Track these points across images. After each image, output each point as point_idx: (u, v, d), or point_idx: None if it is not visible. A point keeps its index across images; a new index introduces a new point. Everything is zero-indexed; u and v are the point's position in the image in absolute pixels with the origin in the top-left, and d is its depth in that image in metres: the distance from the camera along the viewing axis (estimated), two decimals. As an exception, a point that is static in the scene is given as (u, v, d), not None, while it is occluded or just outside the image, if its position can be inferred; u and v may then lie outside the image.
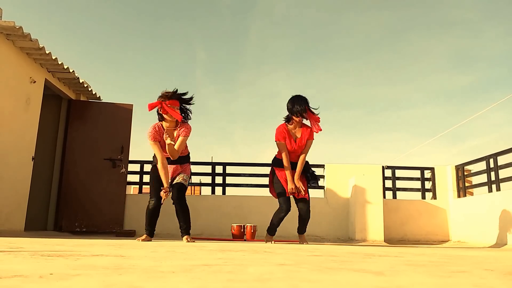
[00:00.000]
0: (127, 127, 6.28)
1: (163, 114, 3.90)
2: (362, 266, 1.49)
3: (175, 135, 3.95)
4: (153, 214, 3.99)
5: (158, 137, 3.93)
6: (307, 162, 4.30)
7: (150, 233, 4.03)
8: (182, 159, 4.11)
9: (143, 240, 3.89)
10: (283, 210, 4.17)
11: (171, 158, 3.96)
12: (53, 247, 2.23)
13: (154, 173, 4.04)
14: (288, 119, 4.21)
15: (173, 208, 6.28)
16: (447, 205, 6.52)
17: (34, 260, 1.44)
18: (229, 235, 5.70)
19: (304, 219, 4.26)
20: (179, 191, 3.97)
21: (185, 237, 3.97)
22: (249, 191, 6.76)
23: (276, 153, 4.32)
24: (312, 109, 4.13)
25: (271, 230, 4.32)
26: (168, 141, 3.76)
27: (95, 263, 1.38)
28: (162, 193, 3.83)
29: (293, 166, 4.18)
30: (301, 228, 4.36)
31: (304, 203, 4.19)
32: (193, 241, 3.91)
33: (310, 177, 4.27)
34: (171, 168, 4.03)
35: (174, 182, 4.03)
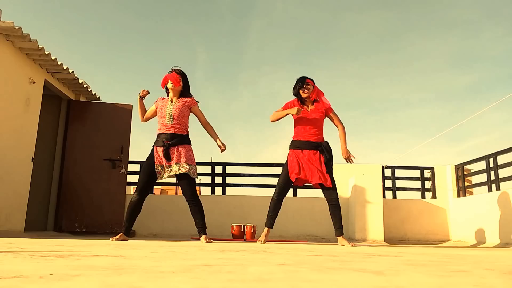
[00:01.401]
0: (126, 127, 6.28)
1: (167, 84, 3.99)
2: (362, 266, 1.49)
3: (176, 106, 3.95)
4: (133, 209, 3.89)
5: (159, 102, 4.07)
6: (326, 142, 4.03)
7: (127, 231, 3.88)
8: (182, 139, 3.92)
9: (117, 239, 3.73)
10: (275, 192, 4.06)
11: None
12: (53, 248, 2.23)
13: (146, 163, 3.96)
14: (300, 100, 4.10)
15: (171, 208, 6.26)
16: (447, 205, 6.52)
17: (34, 260, 1.44)
18: (229, 235, 5.70)
19: (333, 209, 3.94)
20: (190, 187, 3.85)
21: (203, 237, 3.84)
22: (249, 191, 6.77)
23: (293, 135, 4.13)
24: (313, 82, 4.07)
25: (268, 219, 4.10)
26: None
27: (95, 263, 1.38)
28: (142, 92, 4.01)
29: (308, 145, 3.97)
30: (336, 225, 3.95)
31: (328, 190, 3.95)
32: (211, 241, 3.81)
33: (327, 161, 3.93)
34: (172, 150, 3.87)
35: (180, 172, 3.82)
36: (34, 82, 5.27)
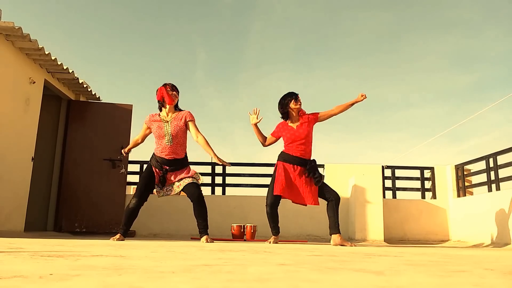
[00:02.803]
0: (126, 127, 6.28)
1: (162, 98, 3.98)
2: (362, 266, 1.49)
3: (174, 126, 3.94)
4: (131, 214, 3.99)
5: (150, 123, 4.05)
6: (314, 161, 4.10)
7: (124, 232, 3.98)
8: (180, 163, 4.00)
9: (117, 239, 3.84)
10: (266, 204, 4.09)
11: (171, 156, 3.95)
12: (53, 248, 2.23)
13: (146, 172, 4.05)
14: (286, 117, 4.18)
15: (171, 208, 6.28)
16: (447, 205, 6.52)
17: (34, 260, 1.44)
18: (229, 235, 5.70)
19: (331, 209, 3.98)
20: (197, 190, 3.92)
21: (205, 237, 3.85)
22: (249, 191, 6.77)
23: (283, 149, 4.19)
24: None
25: (271, 229, 4.20)
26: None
27: (95, 263, 1.38)
28: (123, 151, 4.21)
29: (299, 161, 4.03)
30: (330, 224, 4.01)
31: (325, 194, 3.99)
32: (212, 241, 3.83)
33: (315, 180, 3.99)
34: (170, 175, 3.96)
35: (185, 183, 3.91)
36: (34, 82, 5.27)
